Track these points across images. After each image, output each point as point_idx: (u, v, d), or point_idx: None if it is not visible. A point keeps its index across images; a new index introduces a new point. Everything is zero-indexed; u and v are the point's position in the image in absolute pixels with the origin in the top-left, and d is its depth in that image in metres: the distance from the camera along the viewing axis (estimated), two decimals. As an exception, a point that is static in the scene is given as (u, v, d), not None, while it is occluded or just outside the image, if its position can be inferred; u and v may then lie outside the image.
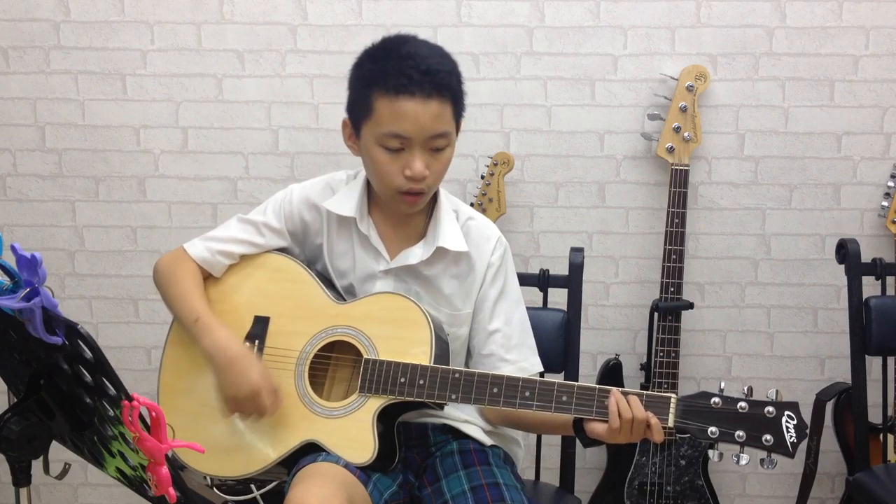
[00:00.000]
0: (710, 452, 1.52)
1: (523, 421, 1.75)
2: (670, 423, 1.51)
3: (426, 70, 1.58)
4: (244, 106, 2.65)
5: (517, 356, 1.75)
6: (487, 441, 1.77)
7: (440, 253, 1.72)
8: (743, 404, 1.48)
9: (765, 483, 2.76)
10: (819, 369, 2.70)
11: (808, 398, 2.52)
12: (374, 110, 1.60)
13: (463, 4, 2.58)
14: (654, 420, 1.51)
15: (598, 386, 1.55)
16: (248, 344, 1.71)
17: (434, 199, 1.76)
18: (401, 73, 1.58)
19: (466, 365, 1.79)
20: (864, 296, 2.20)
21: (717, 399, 1.49)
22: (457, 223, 1.75)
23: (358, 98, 1.65)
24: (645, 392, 1.53)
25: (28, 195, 2.71)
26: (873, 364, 2.26)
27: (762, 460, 1.48)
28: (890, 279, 2.33)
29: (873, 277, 2.25)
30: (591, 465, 2.70)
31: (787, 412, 1.47)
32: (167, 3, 2.60)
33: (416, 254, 1.72)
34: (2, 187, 2.71)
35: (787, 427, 1.47)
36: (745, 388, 1.51)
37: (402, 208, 1.69)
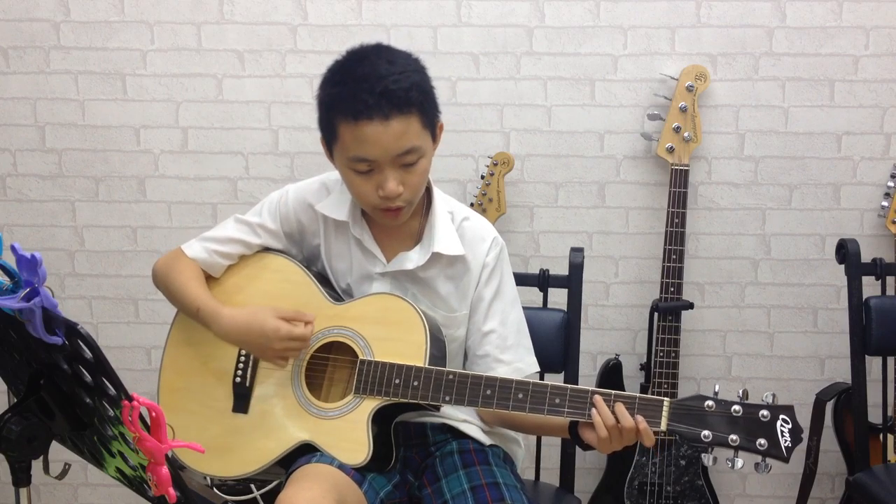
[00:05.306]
0: (704, 456, 1.49)
1: (518, 423, 1.74)
2: (663, 427, 1.48)
3: (382, 91, 1.53)
4: (244, 106, 2.64)
5: (512, 357, 1.74)
6: (487, 441, 1.77)
7: (436, 257, 1.71)
8: (737, 407, 1.45)
9: (765, 483, 2.76)
10: (819, 369, 2.70)
11: (808, 398, 2.52)
12: (339, 136, 1.58)
13: (463, 4, 2.57)
14: (643, 425, 1.48)
15: (591, 388, 1.54)
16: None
17: (428, 200, 1.75)
18: (357, 99, 1.53)
19: (463, 366, 1.78)
20: (864, 296, 2.20)
21: (710, 402, 1.46)
22: (452, 225, 1.74)
23: (324, 121, 1.63)
24: (638, 395, 1.51)
25: (28, 195, 2.71)
26: (873, 364, 2.26)
27: (757, 464, 1.45)
28: (890, 279, 2.32)
29: (873, 277, 2.25)
30: (591, 465, 2.70)
31: (781, 416, 1.44)
32: (167, 3, 2.60)
33: (412, 259, 1.71)
34: (2, 187, 2.71)
35: (782, 431, 1.44)
36: (740, 391, 1.48)
37: (386, 223, 1.68)
